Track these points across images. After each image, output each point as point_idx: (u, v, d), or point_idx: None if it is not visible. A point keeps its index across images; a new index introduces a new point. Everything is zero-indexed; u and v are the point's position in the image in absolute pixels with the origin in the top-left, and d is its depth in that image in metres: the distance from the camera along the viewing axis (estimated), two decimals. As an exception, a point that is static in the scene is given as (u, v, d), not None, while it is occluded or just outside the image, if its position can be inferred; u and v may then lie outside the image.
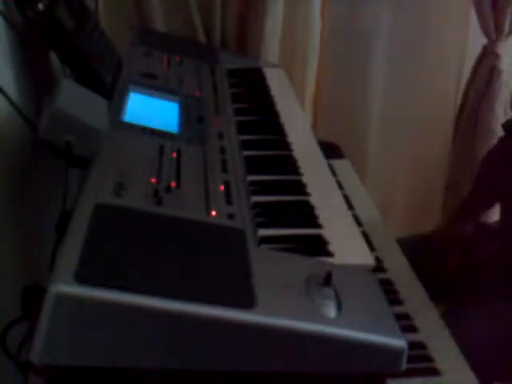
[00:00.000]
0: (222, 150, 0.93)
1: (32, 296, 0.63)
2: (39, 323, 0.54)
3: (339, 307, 0.63)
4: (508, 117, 1.78)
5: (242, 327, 0.57)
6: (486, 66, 1.73)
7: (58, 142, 0.75)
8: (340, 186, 1.11)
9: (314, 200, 0.88)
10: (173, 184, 0.77)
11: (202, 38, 1.49)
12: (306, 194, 0.89)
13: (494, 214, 1.28)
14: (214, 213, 0.75)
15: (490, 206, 1.25)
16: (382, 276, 0.94)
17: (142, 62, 1.18)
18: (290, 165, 0.98)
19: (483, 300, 1.05)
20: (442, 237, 1.22)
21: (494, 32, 1.69)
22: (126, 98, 0.99)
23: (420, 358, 0.80)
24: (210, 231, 0.71)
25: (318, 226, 0.81)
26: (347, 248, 0.79)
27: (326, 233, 0.80)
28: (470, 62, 1.77)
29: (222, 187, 0.82)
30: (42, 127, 0.75)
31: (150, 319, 0.56)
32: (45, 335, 0.54)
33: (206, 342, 0.57)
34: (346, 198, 1.07)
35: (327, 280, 0.66)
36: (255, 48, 1.52)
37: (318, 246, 0.77)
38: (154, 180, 0.76)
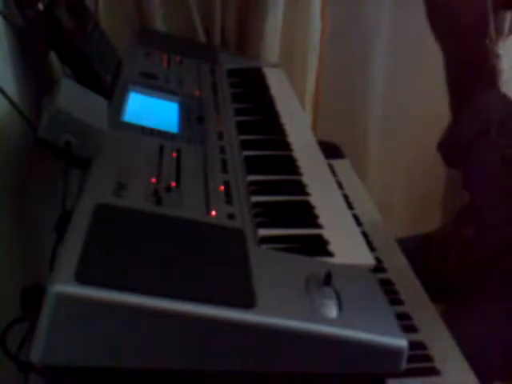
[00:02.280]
0: (222, 150, 0.93)
1: (32, 296, 0.63)
2: (39, 323, 0.54)
3: (339, 307, 0.63)
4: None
5: (242, 327, 0.57)
6: (486, 66, 1.73)
7: (58, 142, 0.75)
8: (340, 186, 1.11)
9: (313, 200, 0.88)
10: (173, 184, 0.77)
11: (202, 38, 1.49)
12: (306, 194, 0.89)
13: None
14: (213, 213, 0.75)
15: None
16: (382, 276, 0.94)
17: (142, 62, 1.18)
18: (290, 165, 0.98)
19: (483, 300, 1.05)
20: (442, 237, 1.22)
21: (493, 32, 1.69)
22: (126, 98, 0.99)
23: (420, 358, 0.80)
24: (210, 231, 0.71)
25: (318, 226, 0.81)
26: (347, 248, 0.79)
27: (326, 233, 0.80)
28: (470, 62, 1.77)
29: (222, 187, 0.82)
30: (42, 127, 0.75)
31: (150, 319, 0.56)
32: (45, 335, 0.54)
33: (206, 342, 0.57)
34: (346, 198, 1.07)
35: (327, 280, 0.66)
36: (255, 48, 1.52)
37: (318, 246, 0.77)
38: (154, 180, 0.76)
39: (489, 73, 0.98)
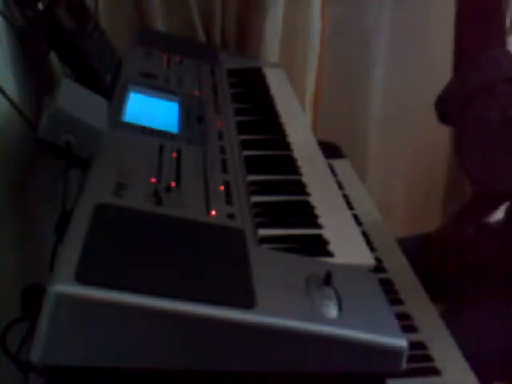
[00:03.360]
0: (222, 150, 0.93)
1: (32, 296, 0.63)
2: (39, 323, 0.54)
3: (339, 307, 0.63)
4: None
5: (242, 327, 0.57)
6: (486, 66, 1.73)
7: (58, 142, 0.75)
8: (340, 186, 1.11)
9: (314, 200, 0.88)
10: (173, 184, 0.77)
11: (202, 38, 1.49)
12: (306, 194, 0.89)
13: (495, 214, 1.27)
14: (213, 213, 0.75)
15: (493, 209, 1.25)
16: (382, 276, 0.94)
17: (141, 62, 1.18)
18: (290, 165, 0.98)
19: (483, 300, 1.05)
20: (442, 237, 1.22)
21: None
22: (126, 98, 0.99)
23: (420, 358, 0.80)
24: (210, 231, 0.71)
25: (318, 226, 0.81)
26: (347, 248, 0.79)
27: (326, 233, 0.80)
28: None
29: (222, 187, 0.82)
30: (42, 127, 0.75)
31: (150, 319, 0.56)
32: (45, 335, 0.54)
33: (206, 342, 0.57)
34: (346, 198, 1.07)
35: (327, 280, 0.66)
36: (255, 48, 1.52)
37: (318, 246, 0.77)
38: (154, 180, 0.76)
39: (499, 29, 0.93)
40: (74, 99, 0.79)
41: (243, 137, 1.03)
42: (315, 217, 0.84)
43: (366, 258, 0.78)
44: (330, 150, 1.23)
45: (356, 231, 0.84)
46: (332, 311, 0.62)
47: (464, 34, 0.94)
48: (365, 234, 0.98)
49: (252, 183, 0.89)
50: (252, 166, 0.94)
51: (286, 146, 1.04)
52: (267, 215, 0.81)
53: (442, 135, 1.88)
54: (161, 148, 0.85)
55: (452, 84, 0.94)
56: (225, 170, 0.88)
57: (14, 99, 0.82)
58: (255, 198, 0.84)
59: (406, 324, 0.86)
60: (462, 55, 0.94)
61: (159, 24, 1.45)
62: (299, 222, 0.82)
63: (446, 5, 0.99)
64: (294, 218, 0.84)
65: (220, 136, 0.98)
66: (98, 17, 1.30)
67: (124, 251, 0.61)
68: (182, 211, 0.72)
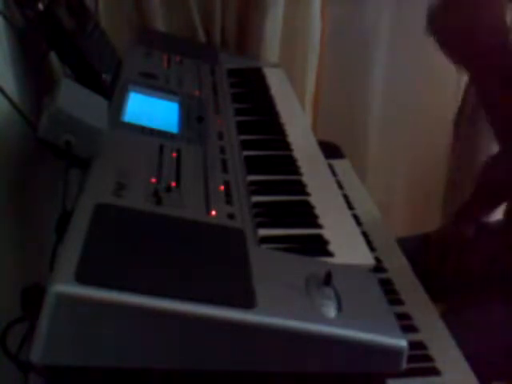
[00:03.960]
0: (222, 150, 0.94)
1: (32, 296, 0.63)
2: (39, 323, 0.54)
3: (339, 307, 0.63)
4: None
5: (242, 327, 0.57)
6: (486, 66, 1.73)
7: (58, 142, 0.75)
8: (340, 186, 1.11)
9: (314, 200, 0.88)
10: (173, 184, 0.77)
11: (202, 38, 1.49)
12: (306, 194, 0.89)
13: (495, 214, 1.28)
14: (213, 213, 0.75)
15: (492, 209, 1.25)
16: (382, 276, 0.94)
17: (142, 62, 1.18)
18: (290, 165, 0.98)
19: (483, 300, 1.05)
20: (442, 237, 1.22)
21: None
22: (126, 98, 0.99)
23: (420, 358, 0.80)
24: (210, 231, 0.71)
25: (318, 226, 0.81)
26: (347, 248, 0.79)
27: (326, 233, 0.80)
28: (470, 62, 1.77)
29: (222, 187, 0.82)
30: (42, 127, 0.75)
31: (149, 319, 0.56)
32: (45, 335, 0.54)
33: (206, 342, 0.57)
34: (346, 198, 1.07)
35: (327, 280, 0.66)
36: (255, 48, 1.52)
37: (318, 246, 0.77)
38: (154, 180, 0.76)
39: None
40: (74, 99, 0.79)
41: (243, 137, 1.03)
42: (315, 217, 0.84)
43: (366, 258, 0.78)
44: (330, 150, 1.23)
45: (356, 231, 0.84)
46: (332, 311, 0.62)
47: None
48: (365, 234, 0.98)
49: (252, 183, 0.89)
50: (252, 166, 0.94)
51: (286, 145, 1.04)
52: (267, 215, 0.81)
53: (442, 135, 1.88)
54: (161, 148, 0.85)
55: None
56: (225, 170, 0.88)
57: (14, 99, 0.82)
58: (255, 198, 0.84)
59: (406, 324, 0.86)
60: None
61: (159, 24, 1.45)
62: (299, 221, 0.82)
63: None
64: (294, 217, 0.84)
65: (220, 136, 0.98)
66: (98, 17, 1.30)
67: (124, 251, 0.61)
68: (182, 211, 0.72)
